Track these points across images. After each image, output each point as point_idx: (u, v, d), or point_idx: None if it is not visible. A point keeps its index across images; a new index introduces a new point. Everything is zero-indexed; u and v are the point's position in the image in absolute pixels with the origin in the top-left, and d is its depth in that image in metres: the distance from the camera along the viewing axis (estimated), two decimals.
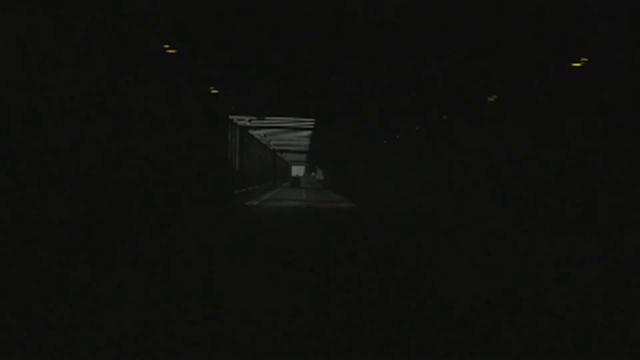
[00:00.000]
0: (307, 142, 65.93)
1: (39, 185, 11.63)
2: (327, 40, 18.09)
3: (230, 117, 40.38)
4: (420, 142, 38.63)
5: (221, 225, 22.05)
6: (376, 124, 40.91)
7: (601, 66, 15.26)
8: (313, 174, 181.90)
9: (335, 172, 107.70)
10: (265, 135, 58.12)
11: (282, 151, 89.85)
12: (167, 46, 18.96)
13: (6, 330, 8.06)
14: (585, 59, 15.87)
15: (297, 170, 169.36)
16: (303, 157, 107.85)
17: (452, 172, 30.57)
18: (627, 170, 13.92)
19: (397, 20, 15.12)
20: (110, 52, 15.36)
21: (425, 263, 14.16)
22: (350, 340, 7.81)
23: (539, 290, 11.23)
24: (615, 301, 10.40)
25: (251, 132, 53.63)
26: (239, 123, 44.29)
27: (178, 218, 22.25)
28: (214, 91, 27.59)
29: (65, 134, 12.62)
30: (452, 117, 30.25)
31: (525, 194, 20.09)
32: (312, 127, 44.22)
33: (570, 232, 16.63)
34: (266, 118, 40.88)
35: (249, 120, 40.97)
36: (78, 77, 13.31)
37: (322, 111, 34.29)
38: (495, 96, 19.06)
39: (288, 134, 56.66)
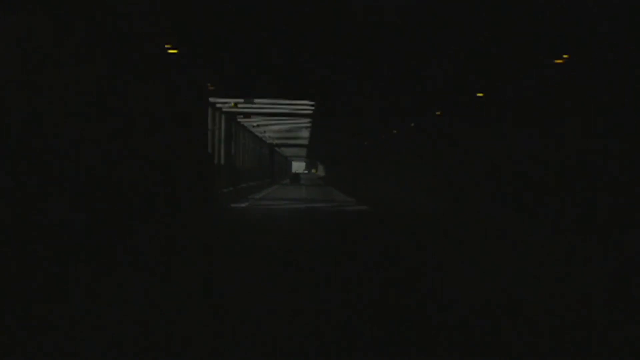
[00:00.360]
0: (306, 134, 60.37)
1: (40, 185, 11.62)
2: (327, 31, 17.41)
3: (211, 100, 32.30)
4: (423, 140, 38.17)
5: (181, 244, 16.60)
6: (378, 119, 39.55)
7: (601, 66, 15.26)
8: (314, 170, 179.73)
9: (337, 169, 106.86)
10: (258, 126, 50.70)
11: (280, 145, 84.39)
12: None
13: (6, 330, 8.06)
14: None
15: (298, 167, 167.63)
16: (303, 152, 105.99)
17: (455, 171, 30.52)
18: (627, 170, 13.92)
19: (397, 20, 15.11)
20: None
21: (450, 272, 14.15)
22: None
23: (539, 290, 11.23)
24: (615, 301, 10.40)
25: (242, 121, 45.98)
26: (224, 109, 36.91)
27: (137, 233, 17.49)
28: (172, 51, 19.15)
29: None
30: (452, 117, 30.23)
31: (525, 194, 20.09)
32: (311, 112, 36.67)
33: (571, 232, 16.62)
34: (256, 101, 33.51)
35: (235, 104, 33.36)
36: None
37: (322, 91, 27.93)
38: (567, 55, 16.51)
39: (284, 124, 49.71)
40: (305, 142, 72.40)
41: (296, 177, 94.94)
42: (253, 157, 60.33)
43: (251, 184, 52.89)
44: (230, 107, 34.68)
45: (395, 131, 43.73)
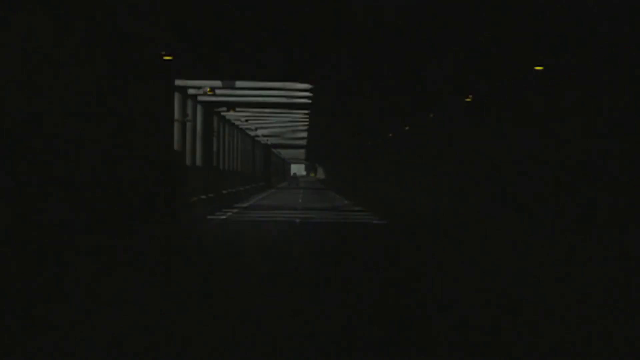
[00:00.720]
0: (304, 134, 54.14)
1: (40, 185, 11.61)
2: None
3: (180, 84, 24.69)
4: (434, 140, 36.71)
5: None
6: (379, 118, 37.55)
7: (601, 66, 15.27)
8: (312, 174, 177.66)
9: (338, 170, 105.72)
10: (247, 121, 42.29)
11: (277, 146, 78.20)
12: None
13: (6, 330, 8.06)
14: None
15: (297, 170, 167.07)
16: (302, 154, 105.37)
17: (465, 173, 30.37)
18: (627, 170, 13.93)
19: (397, 20, 15.09)
20: None
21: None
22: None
23: (539, 290, 11.24)
24: (616, 301, 10.41)
25: (228, 115, 38.48)
26: (201, 98, 29.53)
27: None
28: None
29: None
30: (454, 117, 30.25)
31: (525, 194, 20.11)
32: (308, 101, 29.49)
33: (571, 232, 16.63)
34: (239, 86, 26.10)
35: (211, 89, 24.76)
36: None
37: (321, 67, 20.98)
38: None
39: (277, 118, 41.41)
40: (304, 142, 68.57)
41: (294, 179, 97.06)
42: (244, 158, 53.23)
43: (241, 189, 45.73)
44: (206, 94, 26.11)
45: (407, 127, 40.56)
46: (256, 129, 50.37)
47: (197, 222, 23.83)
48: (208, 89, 25.06)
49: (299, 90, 27.40)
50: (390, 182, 51.64)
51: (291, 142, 68.55)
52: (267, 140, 65.41)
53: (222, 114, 37.36)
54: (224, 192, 37.41)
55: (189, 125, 27.71)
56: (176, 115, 24.23)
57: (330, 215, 30.06)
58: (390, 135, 46.55)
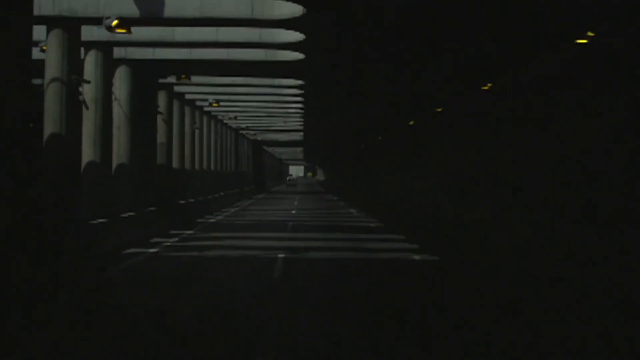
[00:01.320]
0: (298, 123, 41.99)
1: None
2: None
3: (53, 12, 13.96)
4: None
5: None
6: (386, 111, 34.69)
7: (601, 64, 15.27)
8: (310, 174, 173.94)
9: (338, 170, 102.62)
10: (218, 103, 28.20)
11: (270, 143, 67.03)
12: None
13: (6, 330, 8.07)
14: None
15: (296, 171, 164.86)
16: (301, 153, 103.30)
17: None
18: (628, 170, 13.94)
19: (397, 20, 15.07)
20: None
21: None
22: None
23: (539, 290, 11.24)
24: (616, 301, 10.41)
25: (189, 94, 27.36)
26: (127, 54, 18.99)
27: None
28: None
29: None
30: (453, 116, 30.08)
31: (526, 194, 20.11)
32: (301, 56, 18.04)
33: (571, 231, 16.64)
34: (169, 14, 13.98)
35: (119, 24, 13.72)
36: None
37: None
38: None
39: (257, 96, 28.76)
40: (300, 136, 55.46)
41: (293, 182, 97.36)
42: (223, 156, 41.95)
43: (214, 196, 35.23)
44: (111, 27, 13.64)
45: (438, 109, 30.26)
46: (235, 117, 37.85)
47: (92, 266, 13.26)
48: (115, 22, 13.65)
49: (283, 25, 14.96)
50: (404, 184, 45.66)
51: (285, 137, 56.06)
52: (255, 134, 52.04)
53: (176, 88, 25.09)
54: (182, 201, 26.98)
55: (94, 96, 16.67)
56: (54, 73, 14.66)
57: (338, 242, 18.39)
58: (410, 123, 38.08)
